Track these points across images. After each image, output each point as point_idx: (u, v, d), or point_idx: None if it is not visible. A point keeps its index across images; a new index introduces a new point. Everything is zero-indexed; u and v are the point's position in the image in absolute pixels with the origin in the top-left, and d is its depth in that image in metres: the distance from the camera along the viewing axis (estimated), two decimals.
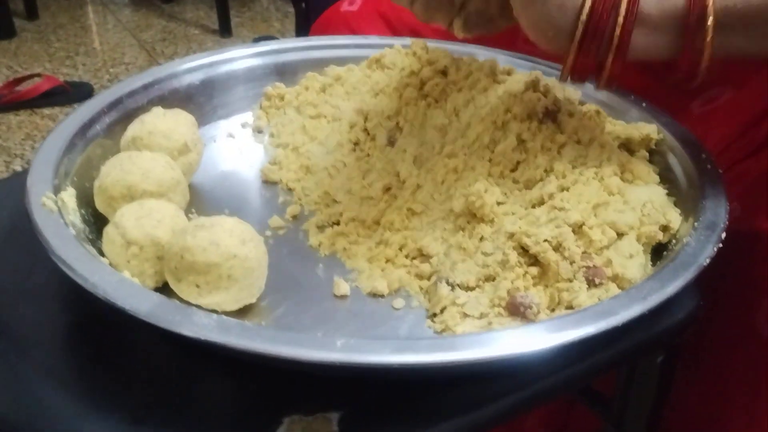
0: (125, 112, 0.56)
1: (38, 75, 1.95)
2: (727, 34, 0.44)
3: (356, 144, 0.59)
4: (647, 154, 0.54)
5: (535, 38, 0.46)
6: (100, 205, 0.48)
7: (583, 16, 0.43)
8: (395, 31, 0.79)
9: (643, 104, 0.58)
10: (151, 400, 0.39)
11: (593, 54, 0.45)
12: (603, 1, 0.43)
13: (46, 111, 1.87)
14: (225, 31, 2.41)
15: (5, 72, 2.10)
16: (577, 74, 0.47)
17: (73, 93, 1.92)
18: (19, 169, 1.64)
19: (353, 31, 0.79)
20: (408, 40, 0.66)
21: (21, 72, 2.08)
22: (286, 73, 0.67)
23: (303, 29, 1.67)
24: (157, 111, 0.54)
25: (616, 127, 0.54)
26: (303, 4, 1.60)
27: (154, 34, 2.43)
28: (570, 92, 0.56)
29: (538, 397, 0.43)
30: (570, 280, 0.44)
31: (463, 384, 0.41)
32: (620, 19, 0.43)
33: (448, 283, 0.46)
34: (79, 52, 2.26)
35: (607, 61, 0.45)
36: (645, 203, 0.47)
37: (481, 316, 0.44)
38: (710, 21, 0.43)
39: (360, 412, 0.39)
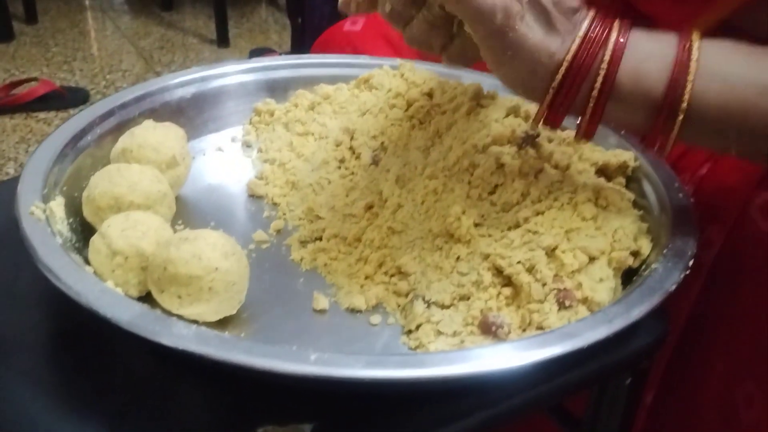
0: (117, 123, 0.58)
1: (35, 79, 1.96)
2: (695, 130, 0.44)
3: (341, 162, 0.60)
4: (624, 181, 0.55)
5: (511, 91, 0.47)
6: (87, 215, 0.49)
7: (555, 83, 0.44)
8: (398, 50, 0.80)
9: (622, 132, 0.59)
10: (129, 407, 0.40)
11: (563, 112, 0.45)
12: (576, 72, 0.43)
13: (42, 115, 1.88)
14: (223, 41, 2.42)
15: (2, 75, 2.11)
16: (548, 125, 0.47)
17: (69, 98, 1.93)
18: (12, 172, 1.64)
19: (356, 50, 0.80)
20: (397, 61, 0.67)
21: (18, 75, 2.09)
22: (276, 89, 0.69)
23: (299, 44, 1.69)
24: (148, 124, 0.55)
25: (594, 153, 0.56)
26: (299, 20, 1.62)
27: (152, 42, 2.44)
28: None
29: (507, 415, 0.44)
30: (541, 302, 0.45)
31: (434, 400, 0.42)
32: (595, 93, 0.43)
33: (424, 300, 0.47)
34: (77, 58, 2.27)
35: (581, 123, 0.46)
36: (617, 229, 0.48)
37: (455, 334, 0.45)
38: (680, 117, 0.43)
39: (332, 425, 0.40)
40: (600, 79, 0.43)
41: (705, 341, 0.53)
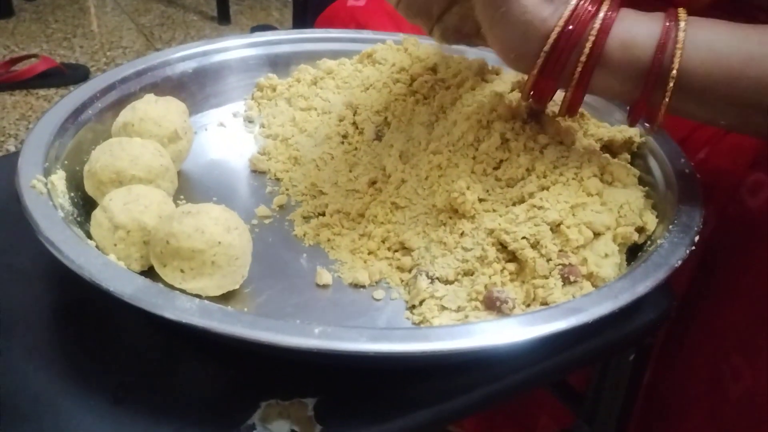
0: (118, 98, 0.57)
1: (35, 56, 1.95)
2: (682, 99, 0.44)
3: (344, 137, 0.60)
4: (629, 157, 0.55)
5: (500, 57, 0.47)
6: (89, 188, 0.49)
7: (546, 47, 0.44)
8: (401, 25, 0.79)
9: (627, 107, 0.58)
10: (132, 381, 0.40)
11: (553, 81, 0.46)
12: (567, 37, 0.44)
13: (42, 92, 1.87)
14: (223, 18, 2.40)
15: (2, 51, 2.10)
16: (536, 97, 0.48)
17: (70, 75, 1.92)
18: (12, 149, 1.64)
19: (360, 26, 0.79)
20: (400, 36, 0.67)
21: (18, 52, 2.08)
22: (279, 64, 0.68)
23: (300, 20, 1.67)
24: (149, 98, 0.55)
25: (599, 129, 0.55)
26: None
27: (152, 19, 2.42)
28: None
29: (511, 390, 0.44)
30: (546, 277, 0.45)
31: (438, 374, 0.42)
32: (583, 58, 0.44)
33: (427, 276, 0.47)
34: (77, 34, 2.26)
35: (567, 94, 0.46)
36: (622, 205, 0.48)
37: (459, 309, 0.45)
38: (671, 85, 0.43)
39: (335, 399, 0.40)
40: (588, 45, 0.44)
41: (696, 318, 0.53)
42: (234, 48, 0.67)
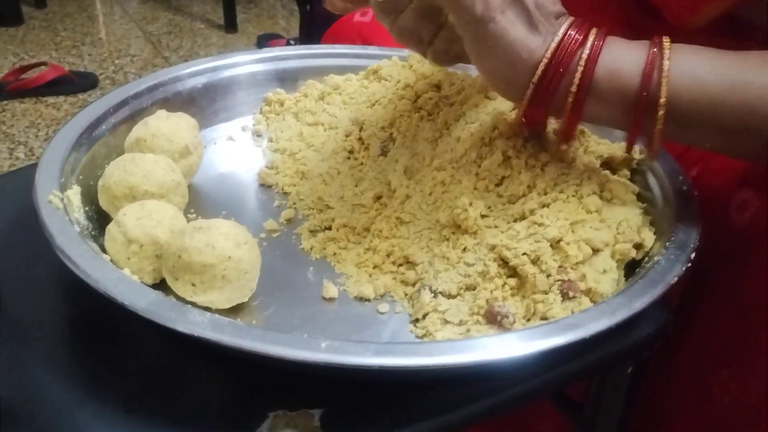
0: (130, 113, 0.59)
1: (44, 63, 1.97)
2: (671, 126, 0.45)
3: (350, 152, 0.61)
4: (628, 173, 0.56)
5: (490, 86, 0.48)
6: (103, 203, 0.50)
7: (535, 79, 0.45)
8: None
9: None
10: (144, 391, 0.41)
11: (543, 110, 0.47)
12: (555, 68, 0.45)
13: (51, 100, 1.90)
14: (230, 26, 2.43)
15: (12, 59, 2.12)
16: (528, 124, 0.49)
17: (79, 83, 1.95)
18: (22, 156, 1.66)
19: (366, 41, 0.81)
20: (405, 53, 0.68)
21: (27, 60, 2.11)
22: (286, 79, 0.70)
23: (307, 31, 1.69)
24: (161, 114, 0.56)
25: (599, 146, 0.57)
26: (308, 6, 1.62)
27: (160, 27, 2.45)
28: None
29: (511, 402, 0.45)
30: (546, 293, 0.46)
31: (441, 387, 0.43)
32: (573, 88, 0.45)
33: (431, 290, 0.48)
34: (86, 42, 2.28)
35: (561, 123, 0.48)
36: (621, 222, 0.49)
37: (461, 323, 0.46)
38: (661, 113, 0.44)
39: (341, 410, 0.41)
40: (578, 75, 0.45)
41: (685, 334, 0.55)
42: (243, 63, 0.69)
